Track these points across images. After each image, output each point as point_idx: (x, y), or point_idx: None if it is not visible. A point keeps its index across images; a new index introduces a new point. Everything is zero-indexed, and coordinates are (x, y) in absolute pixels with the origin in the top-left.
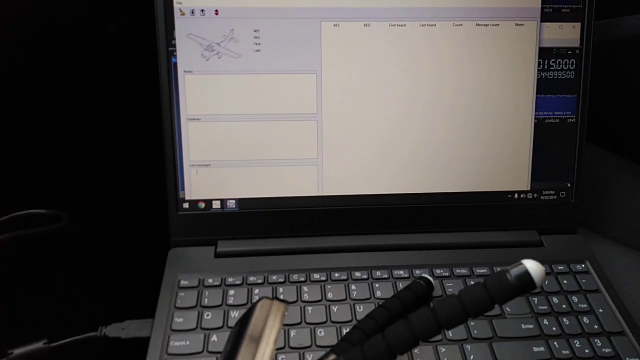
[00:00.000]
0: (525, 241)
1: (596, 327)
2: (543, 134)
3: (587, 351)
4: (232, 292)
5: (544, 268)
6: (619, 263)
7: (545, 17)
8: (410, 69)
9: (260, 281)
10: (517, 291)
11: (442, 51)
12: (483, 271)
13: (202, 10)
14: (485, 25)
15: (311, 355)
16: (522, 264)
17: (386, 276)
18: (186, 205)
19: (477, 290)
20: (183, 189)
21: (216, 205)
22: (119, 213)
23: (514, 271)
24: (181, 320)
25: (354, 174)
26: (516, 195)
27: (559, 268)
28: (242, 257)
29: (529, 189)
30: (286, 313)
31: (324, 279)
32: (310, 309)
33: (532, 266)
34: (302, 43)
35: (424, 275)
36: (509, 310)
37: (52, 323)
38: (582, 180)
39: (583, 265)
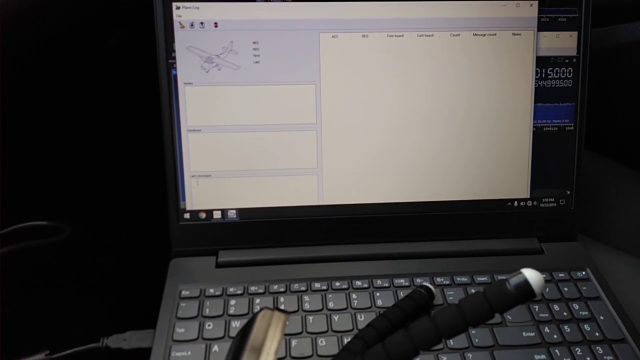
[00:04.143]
0: (525, 248)
1: (597, 334)
2: (541, 141)
3: (588, 359)
4: (233, 302)
5: (544, 277)
6: (619, 269)
7: (542, 26)
8: (408, 78)
9: (261, 291)
10: (516, 300)
11: (439, 61)
12: (483, 279)
13: (202, 23)
14: (482, 34)
15: None
16: (521, 273)
17: (387, 285)
18: (187, 216)
19: (477, 300)
20: (184, 199)
21: (217, 215)
22: (120, 224)
23: (513, 280)
24: (182, 330)
25: (354, 182)
26: (515, 203)
27: (559, 275)
28: (242, 266)
29: (529, 196)
30: (287, 323)
31: (324, 288)
32: (311, 318)
33: (531, 275)
34: (300, 54)
35: (424, 283)
36: (510, 318)
37: (53, 334)
38: (581, 187)
39: (583, 272)
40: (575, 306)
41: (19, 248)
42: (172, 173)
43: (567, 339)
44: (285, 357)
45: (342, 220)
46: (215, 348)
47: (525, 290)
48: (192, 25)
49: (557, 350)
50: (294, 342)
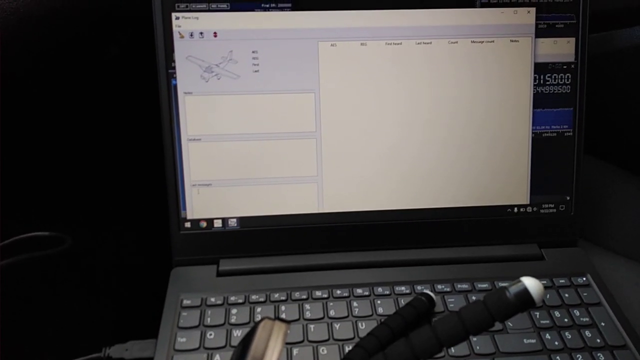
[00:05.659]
0: (526, 255)
1: (598, 340)
2: (541, 147)
3: None
4: (234, 311)
5: (543, 285)
6: (620, 275)
7: (540, 33)
8: (407, 86)
9: (262, 299)
10: (516, 309)
11: (438, 68)
12: (484, 286)
13: (201, 33)
14: (480, 42)
15: None
16: (521, 281)
17: (387, 292)
18: (188, 225)
19: (477, 308)
20: (184, 209)
21: (217, 224)
22: (121, 233)
23: (513, 289)
24: (184, 340)
25: (354, 190)
26: (515, 209)
27: (560, 281)
28: (243, 275)
29: (528, 202)
30: (288, 332)
31: (325, 296)
32: (312, 326)
33: (531, 283)
34: (299, 63)
35: (425, 291)
36: (511, 325)
37: (55, 344)
38: (581, 192)
39: (584, 278)
40: (576, 312)
41: (20, 259)
42: (172, 182)
43: (568, 345)
44: None
45: (342, 227)
46: (217, 358)
47: (525, 299)
48: (191, 35)
49: (558, 357)
50: (295, 351)
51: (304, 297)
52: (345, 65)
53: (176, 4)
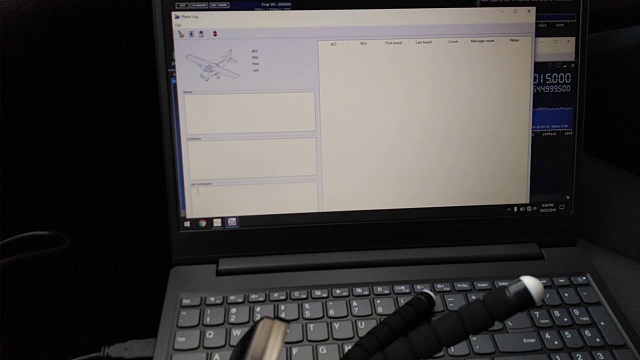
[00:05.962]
0: (525, 254)
1: (598, 340)
2: (541, 147)
3: None
4: (233, 310)
5: (542, 284)
6: (619, 274)
7: (540, 32)
8: (407, 85)
9: (261, 299)
10: (515, 308)
11: (438, 67)
12: (484, 285)
13: (201, 32)
14: (480, 41)
15: None
16: (520, 280)
17: (387, 292)
18: (187, 224)
19: (477, 308)
20: (184, 208)
21: (217, 223)
22: (121, 233)
23: (513, 288)
24: (183, 339)
25: (353, 189)
26: (515, 209)
27: (560, 281)
28: (243, 274)
29: (528, 201)
30: (287, 332)
31: (325, 295)
32: (311, 325)
33: (530, 283)
34: (299, 62)
35: (424, 290)
36: (510, 324)
37: (55, 343)
38: (581, 192)
39: (583, 278)
40: (576, 312)
41: (20, 258)
42: (172, 181)
43: (567, 345)
44: None
45: (342, 227)
46: (216, 357)
47: (524, 298)
48: (191, 34)
49: (557, 357)
50: (294, 350)
51: (304, 296)
52: (345, 65)
53: (176, 3)
